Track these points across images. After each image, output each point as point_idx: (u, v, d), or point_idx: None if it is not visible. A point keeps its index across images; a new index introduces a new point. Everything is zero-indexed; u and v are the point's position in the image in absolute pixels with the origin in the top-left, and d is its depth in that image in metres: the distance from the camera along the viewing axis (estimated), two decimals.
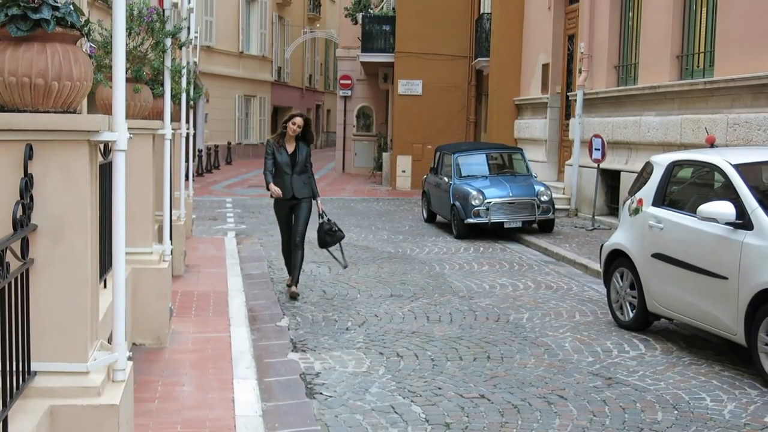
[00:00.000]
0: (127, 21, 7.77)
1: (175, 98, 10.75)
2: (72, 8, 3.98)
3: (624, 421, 6.16)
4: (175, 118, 11.41)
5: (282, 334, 8.57)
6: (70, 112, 4.10)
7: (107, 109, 7.25)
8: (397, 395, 6.72)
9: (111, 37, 4.31)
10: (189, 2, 11.63)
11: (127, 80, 7.69)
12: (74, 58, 3.98)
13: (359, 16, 33.40)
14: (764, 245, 7.07)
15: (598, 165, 16.60)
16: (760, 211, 7.27)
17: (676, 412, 6.37)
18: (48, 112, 3.95)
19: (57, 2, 3.89)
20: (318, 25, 52.30)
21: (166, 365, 7.11)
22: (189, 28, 11.68)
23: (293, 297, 10.15)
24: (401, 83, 28.72)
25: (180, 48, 9.48)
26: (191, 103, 14.42)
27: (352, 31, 35.48)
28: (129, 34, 7.91)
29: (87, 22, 4.15)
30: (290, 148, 10.31)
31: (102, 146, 4.39)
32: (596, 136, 16.58)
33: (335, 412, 6.31)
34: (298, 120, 10.24)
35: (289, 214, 10.41)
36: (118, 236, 4.18)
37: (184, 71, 10.90)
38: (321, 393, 6.76)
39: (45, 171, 3.87)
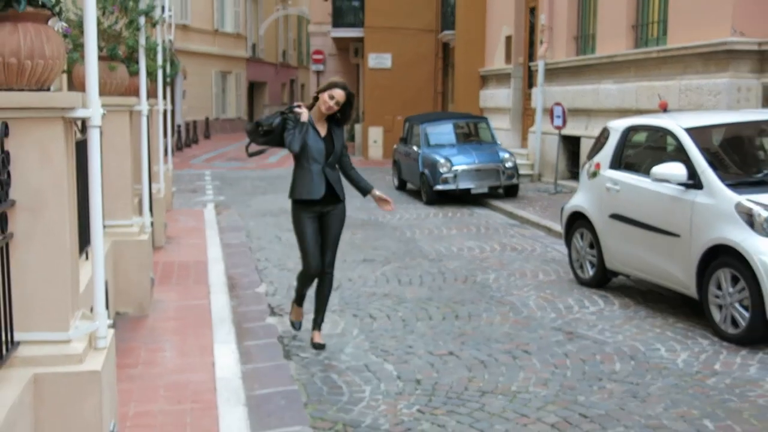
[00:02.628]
0: (101, 0, 7.69)
1: (152, 75, 10.61)
2: None
3: (584, 372, 6.23)
4: (152, 94, 11.27)
5: (260, 300, 8.55)
6: (45, 90, 4.03)
7: (83, 87, 7.17)
8: (371, 354, 6.74)
9: None
10: None
11: (103, 59, 7.68)
12: (46, 37, 3.91)
13: None
14: (714, 204, 7.14)
15: (560, 131, 16.66)
16: (709, 171, 7.34)
17: (633, 362, 6.45)
18: (22, 90, 3.88)
19: None
20: (290, 2, 51.81)
21: (148, 332, 7.07)
22: (163, 7, 11.56)
23: (319, 347, 6.86)
24: (371, 57, 28.55)
25: (154, 26, 9.36)
26: (168, 79, 14.27)
27: (323, 8, 35.23)
28: (103, 13, 7.81)
29: (58, 1, 4.07)
30: (322, 129, 6.78)
31: (80, 123, 4.33)
32: (557, 104, 16.63)
33: (311, 372, 6.33)
34: (339, 93, 6.65)
35: (317, 223, 6.81)
36: (94, 209, 4.13)
37: (160, 49, 10.78)
38: (298, 354, 6.77)
39: (21, 148, 3.81)
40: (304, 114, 6.58)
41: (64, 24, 6.61)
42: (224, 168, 25.03)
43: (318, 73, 36.24)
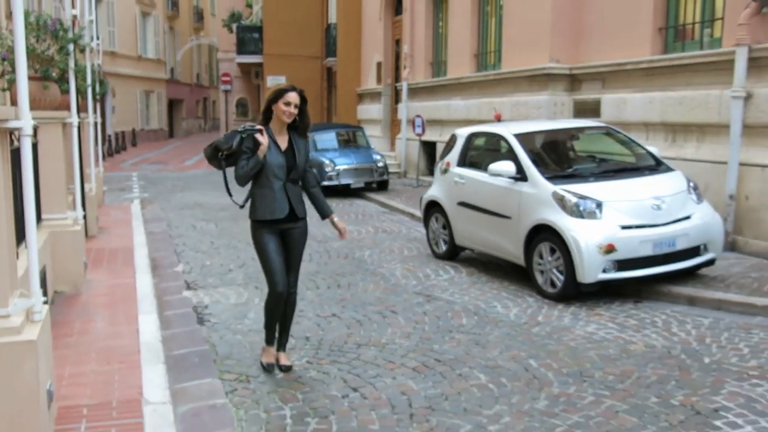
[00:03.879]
0: (35, 29, 7.32)
1: (82, 93, 10.14)
2: None
3: (438, 326, 6.33)
4: (83, 109, 10.78)
5: (178, 278, 8.31)
6: None
7: None
8: None
9: None
10: (90, 14, 11.03)
11: (37, 79, 7.30)
12: None
13: (234, 26, 32.52)
14: (536, 192, 7.36)
15: (420, 138, 16.84)
16: (533, 168, 7.56)
17: (476, 317, 6.60)
18: None
19: None
20: (202, 34, 50.46)
21: (82, 308, 6.77)
22: (92, 36, 11.07)
23: (286, 369, 5.29)
24: (269, 78, 28.16)
25: (82, 51, 8.95)
26: (98, 97, 13.66)
27: (229, 38, 34.54)
28: (37, 40, 7.44)
29: None
30: (282, 142, 5.10)
31: (17, 133, 4.10)
32: (418, 116, 16.79)
33: (220, 335, 6.21)
34: (293, 96, 4.99)
35: (279, 240, 5.18)
36: (28, 206, 3.92)
37: (89, 71, 10.32)
38: (209, 320, 6.63)
39: None
40: (264, 146, 4.88)
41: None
42: (149, 170, 24.15)
43: (226, 92, 35.52)
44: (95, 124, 13.27)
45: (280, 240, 5.16)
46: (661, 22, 10.65)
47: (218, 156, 5.00)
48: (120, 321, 6.31)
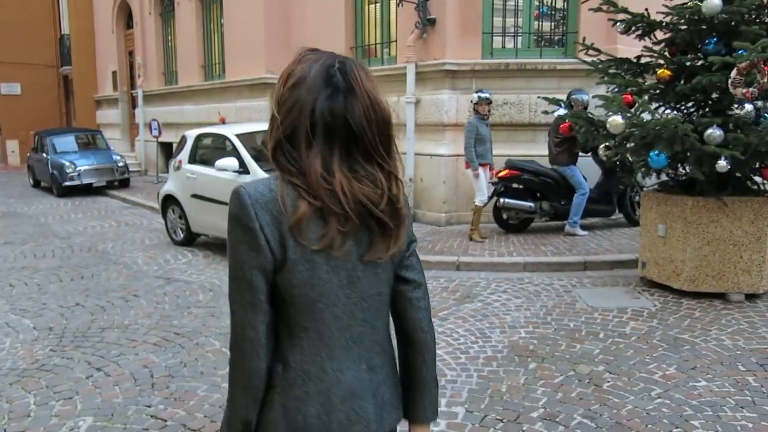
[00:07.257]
0: None
1: None
2: None
3: (178, 304, 6.09)
4: None
5: None
6: None
7: None
8: (11, 314, 5.89)
9: None
10: None
11: None
12: None
13: None
14: None
15: (157, 139, 15.95)
16: (253, 163, 7.57)
17: (211, 292, 6.43)
18: None
19: None
20: None
21: None
22: None
23: None
24: (3, 86, 24.57)
25: None
26: None
27: None
28: None
29: None
30: None
31: None
32: (154, 119, 15.86)
33: None
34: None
35: None
36: None
37: None
38: None
39: None
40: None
41: None
42: None
43: None
44: None
45: None
46: (351, 43, 11.23)
47: None
48: None
